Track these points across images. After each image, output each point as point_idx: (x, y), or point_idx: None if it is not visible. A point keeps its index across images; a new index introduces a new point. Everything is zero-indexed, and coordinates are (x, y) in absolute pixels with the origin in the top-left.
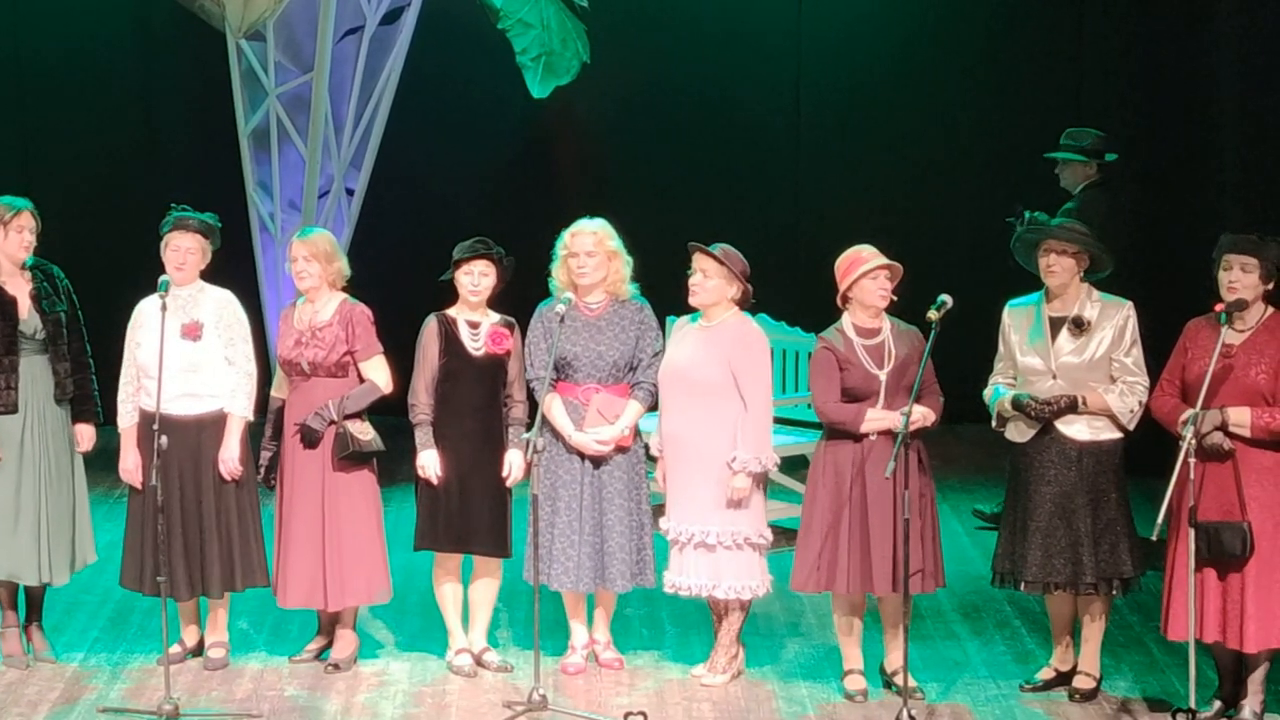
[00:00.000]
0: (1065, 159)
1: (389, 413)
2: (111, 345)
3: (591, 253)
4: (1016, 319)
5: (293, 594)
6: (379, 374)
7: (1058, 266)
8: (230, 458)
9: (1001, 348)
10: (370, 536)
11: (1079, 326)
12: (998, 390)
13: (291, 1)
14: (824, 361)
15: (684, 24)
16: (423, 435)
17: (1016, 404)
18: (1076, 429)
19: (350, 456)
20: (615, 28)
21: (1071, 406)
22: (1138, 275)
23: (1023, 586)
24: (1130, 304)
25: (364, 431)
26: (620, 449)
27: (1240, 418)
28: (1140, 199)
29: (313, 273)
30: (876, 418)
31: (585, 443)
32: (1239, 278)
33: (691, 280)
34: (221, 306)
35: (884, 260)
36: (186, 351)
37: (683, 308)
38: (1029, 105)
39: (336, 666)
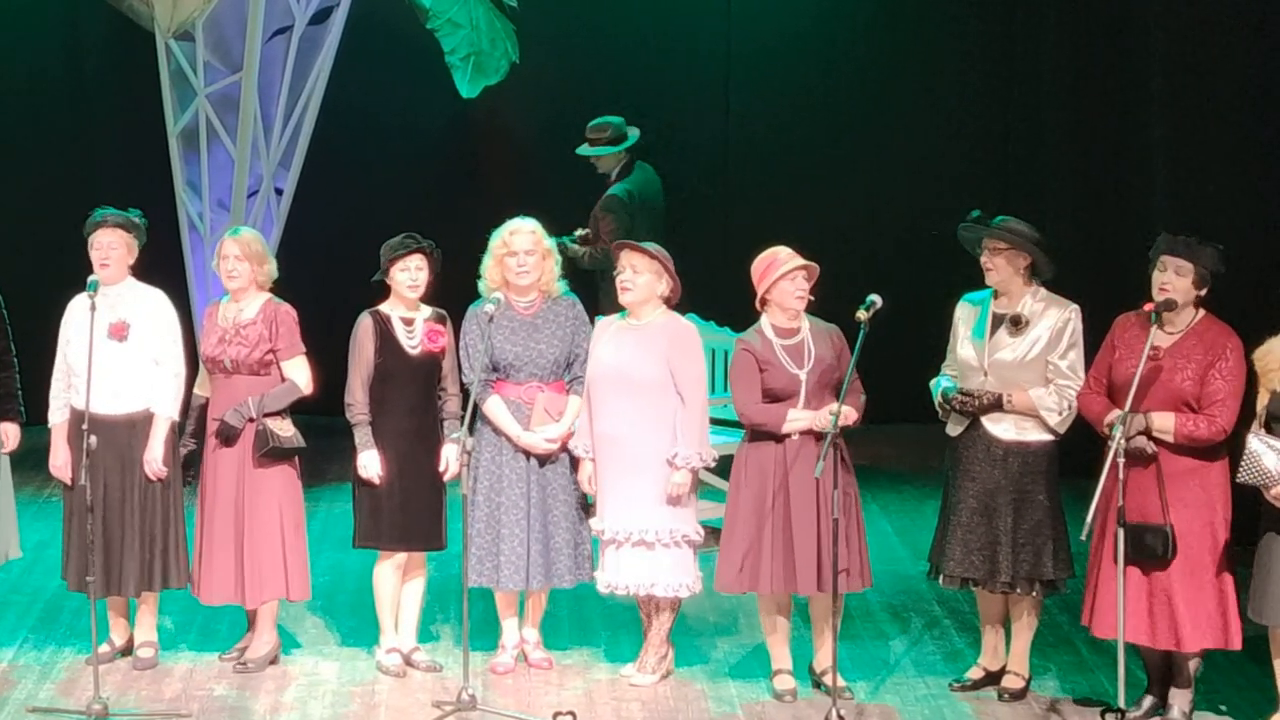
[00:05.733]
0: (595, 154)
1: (317, 412)
2: (40, 345)
3: (531, 251)
4: (966, 312)
5: (214, 591)
6: (300, 374)
7: (992, 264)
8: (154, 458)
9: (951, 340)
10: (289, 533)
11: (1016, 325)
12: (938, 382)
13: (220, 1)
14: (744, 363)
15: (613, 25)
16: (362, 435)
17: (945, 396)
18: (1003, 428)
19: (270, 453)
20: (545, 28)
21: (995, 404)
22: (1070, 274)
23: (941, 580)
24: (1075, 307)
25: (284, 428)
26: (562, 446)
27: (1165, 423)
28: (1073, 198)
29: (243, 273)
30: (798, 418)
31: (535, 442)
32: (1172, 280)
33: (620, 277)
34: (151, 306)
35: (801, 261)
36: (114, 351)
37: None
38: (959, 106)
39: (245, 665)
